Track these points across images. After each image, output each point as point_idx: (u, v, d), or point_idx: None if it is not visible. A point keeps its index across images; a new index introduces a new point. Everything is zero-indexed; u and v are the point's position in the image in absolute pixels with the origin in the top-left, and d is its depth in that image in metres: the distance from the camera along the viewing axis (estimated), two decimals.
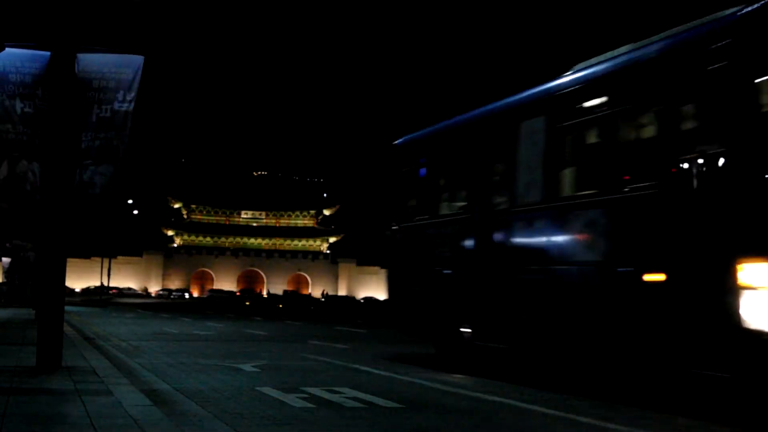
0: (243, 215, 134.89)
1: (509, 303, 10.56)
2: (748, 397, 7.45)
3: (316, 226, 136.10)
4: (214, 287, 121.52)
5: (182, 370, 11.64)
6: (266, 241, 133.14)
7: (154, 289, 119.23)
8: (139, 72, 10.55)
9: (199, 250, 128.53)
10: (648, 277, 8.07)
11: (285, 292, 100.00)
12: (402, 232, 13.79)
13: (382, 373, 11.68)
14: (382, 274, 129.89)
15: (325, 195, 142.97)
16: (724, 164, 7.23)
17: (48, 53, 10.10)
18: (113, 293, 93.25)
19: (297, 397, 8.65)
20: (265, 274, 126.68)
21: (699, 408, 8.36)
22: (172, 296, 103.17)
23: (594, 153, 9.38)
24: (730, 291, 7.01)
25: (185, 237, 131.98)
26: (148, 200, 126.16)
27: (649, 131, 8.57)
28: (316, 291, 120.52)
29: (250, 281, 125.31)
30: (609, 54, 9.68)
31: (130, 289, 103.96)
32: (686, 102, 7.95)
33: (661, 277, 7.92)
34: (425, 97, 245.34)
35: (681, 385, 8.36)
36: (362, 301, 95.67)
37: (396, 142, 14.32)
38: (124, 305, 58.89)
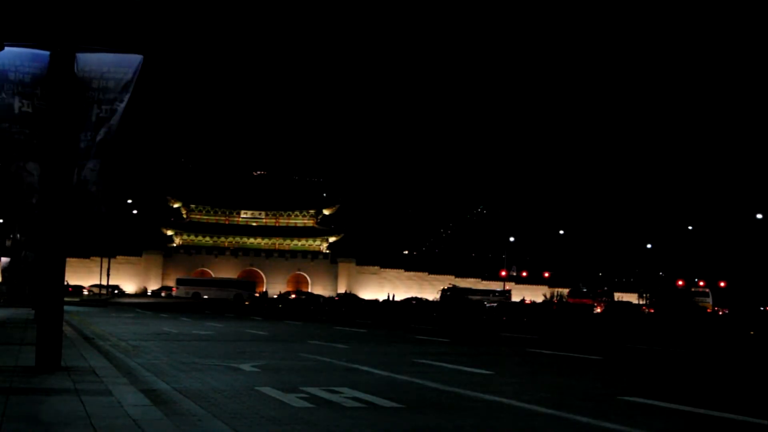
0: (242, 215, 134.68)
1: None
2: None
3: (315, 225, 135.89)
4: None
5: (182, 370, 11.62)
6: (266, 240, 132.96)
7: (152, 288, 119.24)
8: (138, 71, 10.50)
9: (199, 249, 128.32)
10: None
11: (282, 293, 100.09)
12: None
13: (382, 373, 11.66)
14: (382, 273, 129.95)
15: (324, 195, 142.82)
16: None
17: (47, 53, 10.05)
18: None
19: (297, 397, 8.64)
20: (264, 273, 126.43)
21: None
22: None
23: None
24: None
25: (185, 237, 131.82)
26: (147, 200, 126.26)
27: None
28: (315, 291, 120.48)
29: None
30: None
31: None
32: None
33: None
34: (424, 97, 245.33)
35: None
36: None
37: None
38: (123, 305, 58.83)
